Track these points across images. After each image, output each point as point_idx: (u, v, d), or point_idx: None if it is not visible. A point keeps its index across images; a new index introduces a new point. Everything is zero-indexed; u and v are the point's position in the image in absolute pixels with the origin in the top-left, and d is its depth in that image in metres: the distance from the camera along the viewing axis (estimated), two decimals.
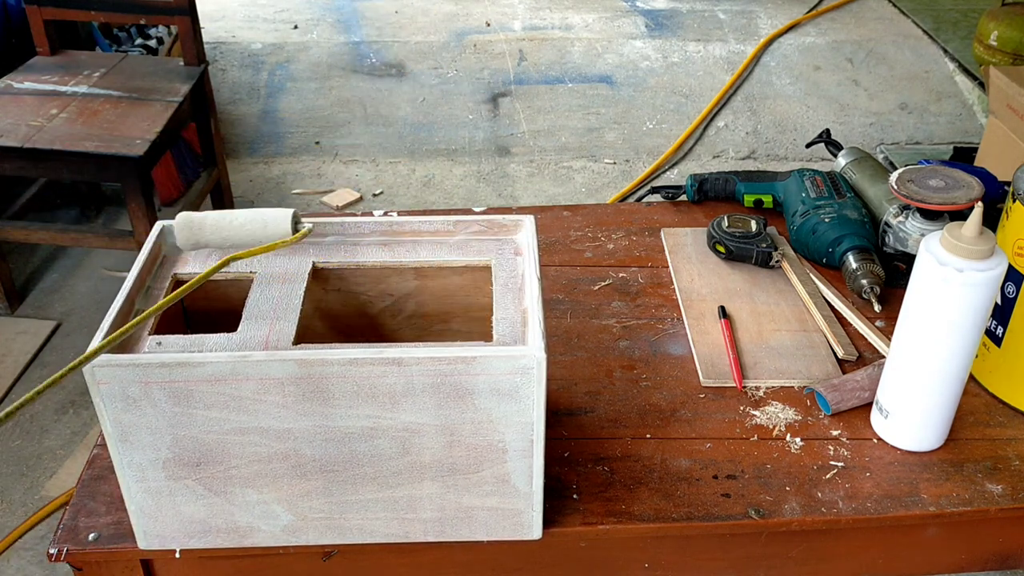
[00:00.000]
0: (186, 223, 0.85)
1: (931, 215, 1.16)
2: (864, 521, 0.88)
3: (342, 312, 0.94)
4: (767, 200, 1.32)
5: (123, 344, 0.79)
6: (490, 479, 0.81)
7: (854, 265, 1.14)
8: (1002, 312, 0.99)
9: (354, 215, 0.99)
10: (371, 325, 0.96)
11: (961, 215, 1.15)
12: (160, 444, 0.77)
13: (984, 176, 1.27)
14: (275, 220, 0.85)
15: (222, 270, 0.87)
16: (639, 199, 1.54)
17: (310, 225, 0.87)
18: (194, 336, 0.79)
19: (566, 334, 1.10)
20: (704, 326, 1.10)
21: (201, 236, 0.85)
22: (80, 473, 0.95)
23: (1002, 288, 0.98)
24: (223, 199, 2.73)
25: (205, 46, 3.04)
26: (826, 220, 1.19)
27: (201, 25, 2.63)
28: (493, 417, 0.78)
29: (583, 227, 1.30)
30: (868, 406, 0.99)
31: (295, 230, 0.85)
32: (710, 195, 1.36)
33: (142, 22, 2.47)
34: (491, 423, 0.78)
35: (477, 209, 1.21)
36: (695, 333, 1.10)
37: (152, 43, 3.04)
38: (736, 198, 1.34)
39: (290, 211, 0.85)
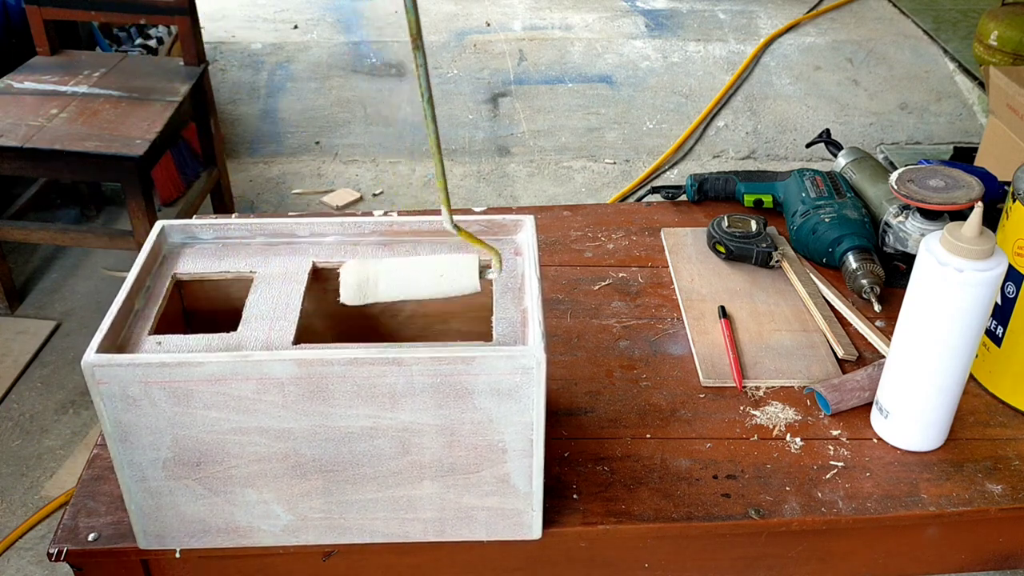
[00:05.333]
0: (356, 277, 0.80)
1: (931, 215, 1.16)
2: (864, 521, 0.88)
3: (342, 312, 0.94)
4: (767, 200, 1.32)
5: (122, 344, 0.79)
6: (490, 479, 0.81)
7: (854, 265, 1.14)
8: (1002, 312, 0.99)
9: (354, 215, 0.99)
10: (371, 325, 0.96)
11: (961, 215, 1.15)
12: (160, 444, 0.77)
13: (984, 176, 1.27)
14: (457, 269, 0.79)
15: (224, 271, 0.88)
16: (639, 199, 1.54)
17: (494, 273, 0.80)
18: (194, 336, 0.79)
19: (566, 334, 1.10)
20: (704, 326, 1.10)
21: (373, 292, 0.80)
22: (80, 473, 0.95)
23: (1002, 288, 0.98)
24: (223, 199, 2.73)
25: (205, 46, 3.03)
26: (826, 220, 1.19)
27: (201, 25, 2.63)
28: (493, 417, 0.78)
29: (583, 227, 1.30)
30: (868, 406, 0.99)
31: (481, 275, 0.80)
32: (710, 195, 1.36)
33: (142, 22, 2.47)
34: (491, 423, 0.78)
35: (477, 209, 1.22)
36: (695, 333, 1.09)
37: (152, 43, 3.04)
38: (736, 198, 1.34)
39: (474, 257, 0.80)
